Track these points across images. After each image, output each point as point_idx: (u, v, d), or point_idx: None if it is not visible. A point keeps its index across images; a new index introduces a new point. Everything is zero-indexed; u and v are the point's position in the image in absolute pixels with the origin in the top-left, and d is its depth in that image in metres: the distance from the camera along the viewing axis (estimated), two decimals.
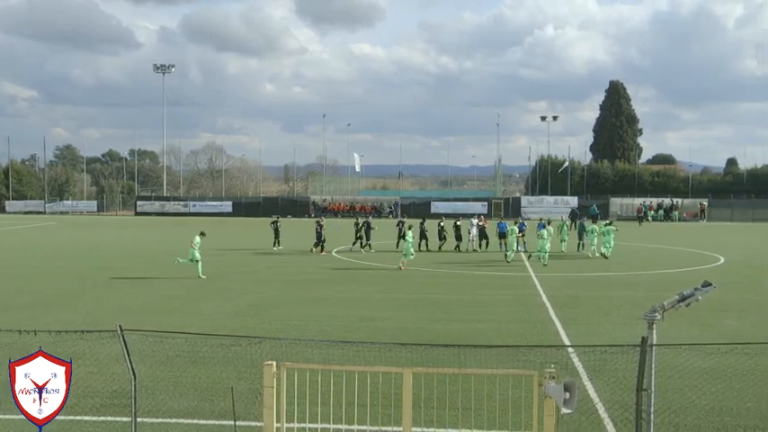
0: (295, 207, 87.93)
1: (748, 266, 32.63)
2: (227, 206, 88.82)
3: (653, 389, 8.25)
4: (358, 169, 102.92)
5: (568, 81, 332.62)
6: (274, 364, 8.37)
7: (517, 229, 37.06)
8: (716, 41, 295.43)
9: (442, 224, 41.45)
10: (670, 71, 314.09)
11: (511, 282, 26.92)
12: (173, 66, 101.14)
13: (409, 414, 8.29)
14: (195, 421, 10.58)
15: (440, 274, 29.30)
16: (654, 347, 8.19)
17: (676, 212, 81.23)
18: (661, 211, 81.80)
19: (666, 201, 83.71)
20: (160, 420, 10.46)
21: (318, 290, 24.43)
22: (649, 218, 78.42)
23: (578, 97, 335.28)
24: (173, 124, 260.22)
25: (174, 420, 10.55)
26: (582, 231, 40.35)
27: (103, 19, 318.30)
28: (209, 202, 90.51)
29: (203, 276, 27.53)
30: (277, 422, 8.35)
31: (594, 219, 58.02)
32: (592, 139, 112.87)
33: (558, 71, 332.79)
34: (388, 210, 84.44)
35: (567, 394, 7.51)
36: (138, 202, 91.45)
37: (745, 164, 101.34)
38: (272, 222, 42.47)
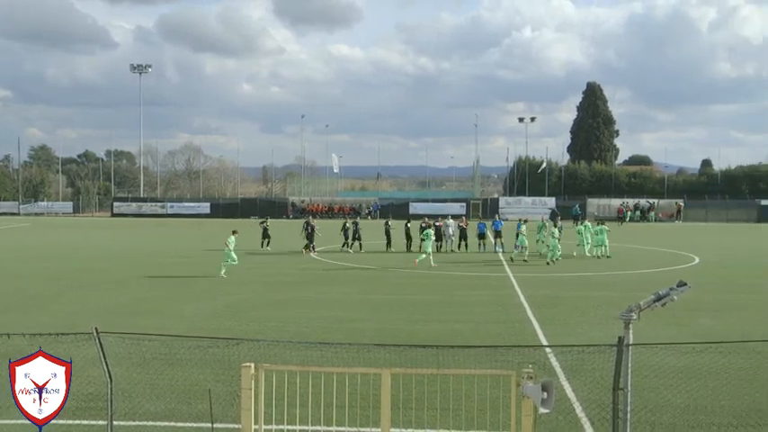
0: (273, 208, 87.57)
1: (722, 267, 32.96)
2: (204, 207, 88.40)
3: (629, 388, 8.31)
4: (336, 170, 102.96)
5: (546, 82, 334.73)
6: (252, 365, 8.34)
7: (524, 229, 37.23)
8: (690, 44, 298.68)
9: (437, 224, 41.46)
10: (645, 73, 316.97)
11: (489, 282, 27.00)
12: (149, 66, 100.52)
13: (388, 415, 8.29)
14: (172, 424, 10.51)
15: (418, 274, 29.32)
16: (630, 347, 8.25)
17: (652, 213, 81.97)
18: (638, 212, 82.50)
19: (643, 201, 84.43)
20: (137, 423, 10.38)
21: (297, 291, 24.37)
22: (627, 218, 79.09)
23: (556, 99, 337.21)
24: (150, 125, 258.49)
25: (150, 423, 10.47)
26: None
27: (79, 18, 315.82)
28: (186, 204, 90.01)
29: (224, 276, 28.11)
30: (255, 424, 8.31)
31: (576, 219, 58.44)
32: (569, 140, 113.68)
33: (535, 72, 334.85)
34: (366, 211, 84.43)
35: (545, 394, 7.54)
36: (115, 204, 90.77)
37: (719, 165, 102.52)
38: (261, 223, 42.42)
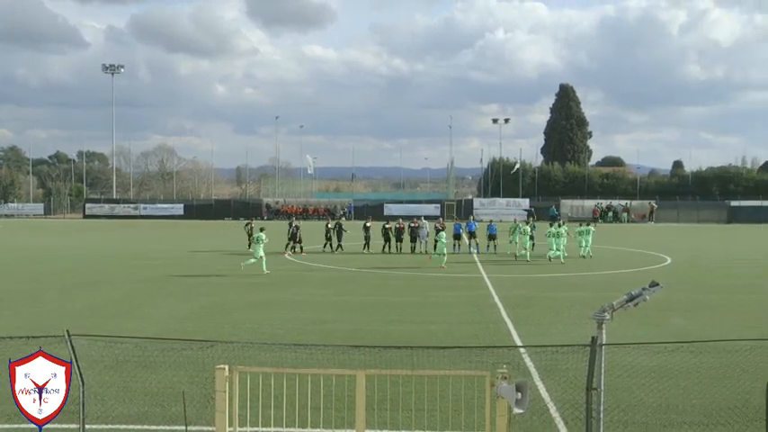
0: (247, 209, 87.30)
1: (693, 267, 33.32)
2: (178, 208, 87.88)
3: (602, 388, 8.37)
4: (311, 171, 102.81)
5: (519, 84, 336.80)
6: (226, 367, 8.30)
7: (529, 229, 37.53)
8: (661, 47, 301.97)
9: (412, 225, 41.52)
10: (617, 75, 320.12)
11: (463, 283, 27.07)
12: (122, 66, 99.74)
13: (362, 416, 8.28)
14: (146, 427, 10.42)
15: (392, 275, 29.34)
16: (603, 347, 8.32)
17: (625, 214, 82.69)
18: (610, 213, 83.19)
19: (615, 202, 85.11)
20: (109, 427, 10.28)
21: (271, 292, 24.28)
22: (599, 219, 79.78)
23: (529, 100, 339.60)
24: (122, 126, 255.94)
25: (123, 426, 10.38)
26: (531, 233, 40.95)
27: (49, 17, 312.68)
28: (160, 205, 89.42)
29: (267, 271, 29.53)
30: (229, 426, 8.27)
31: (554, 220, 58.92)
32: (543, 142, 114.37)
33: (508, 74, 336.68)
34: (341, 212, 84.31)
35: (519, 394, 7.57)
36: (87, 205, 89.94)
37: (690, 166, 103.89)
38: (246, 225, 42.32)
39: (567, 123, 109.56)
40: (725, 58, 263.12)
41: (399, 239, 39.74)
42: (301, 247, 39.00)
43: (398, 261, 35.27)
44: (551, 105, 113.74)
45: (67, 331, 8.41)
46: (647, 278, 9.15)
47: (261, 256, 29.93)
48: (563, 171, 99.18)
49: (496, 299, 22.82)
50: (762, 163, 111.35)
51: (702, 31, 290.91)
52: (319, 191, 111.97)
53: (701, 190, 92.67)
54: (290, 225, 40.18)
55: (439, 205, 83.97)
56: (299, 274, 29.97)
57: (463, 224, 42.62)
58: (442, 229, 38.98)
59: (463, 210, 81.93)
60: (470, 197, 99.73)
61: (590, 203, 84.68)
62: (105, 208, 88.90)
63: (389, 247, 39.62)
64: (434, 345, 14.85)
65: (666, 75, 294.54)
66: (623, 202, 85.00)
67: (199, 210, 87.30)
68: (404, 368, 9.15)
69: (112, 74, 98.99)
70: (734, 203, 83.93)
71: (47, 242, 48.63)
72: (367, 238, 40.12)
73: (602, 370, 8.35)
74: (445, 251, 33.11)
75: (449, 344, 15.52)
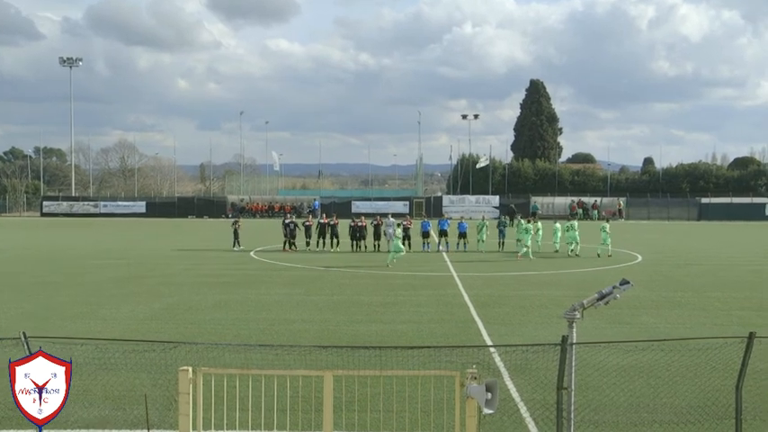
0: (212, 207, 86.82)
1: (664, 264, 33.72)
2: (140, 206, 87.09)
3: (573, 387, 8.45)
4: (276, 168, 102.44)
5: (488, 79, 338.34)
6: (190, 369, 8.25)
7: (533, 228, 38.22)
8: (630, 42, 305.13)
9: (375, 223, 41.52)
10: (587, 70, 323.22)
11: (432, 282, 27.15)
12: (80, 59, 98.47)
13: (330, 418, 8.28)
14: (107, 431, 10.33)
15: (360, 274, 29.35)
16: (574, 346, 8.39)
17: (596, 211, 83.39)
18: (580, 210, 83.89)
19: (586, 199, 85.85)
20: (69, 431, 10.17)
21: (236, 292, 24.17)
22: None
23: (498, 96, 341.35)
24: (81, 121, 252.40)
25: (83, 431, 10.28)
26: (502, 229, 41.34)
27: (1, 8, 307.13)
28: (120, 203, 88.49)
29: (390, 266, 31.32)
30: (193, 429, 8.22)
31: (534, 216, 59.47)
32: (513, 138, 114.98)
33: (477, 69, 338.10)
34: (307, 210, 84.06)
35: (489, 394, 7.61)
36: (45, 203, 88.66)
37: (660, 163, 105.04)
38: (234, 223, 42.33)
39: (537, 119, 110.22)
40: (694, 54, 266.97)
41: (362, 237, 39.81)
42: (291, 243, 40.02)
43: (367, 260, 35.28)
44: (521, 101, 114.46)
45: (24, 333, 8.30)
46: (617, 276, 9.26)
47: (401, 250, 33.02)
48: (533, 168, 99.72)
49: (466, 298, 22.92)
50: (732, 160, 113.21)
51: (671, 27, 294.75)
52: (285, 188, 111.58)
53: (672, 187, 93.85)
54: (284, 223, 40.83)
55: (407, 202, 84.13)
56: (265, 273, 29.85)
57: (433, 222, 42.76)
58: (404, 228, 39.12)
59: (432, 207, 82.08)
60: (440, 194, 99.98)
61: (561, 200, 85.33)
62: (64, 206, 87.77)
63: (356, 245, 39.69)
64: (403, 344, 14.88)
65: (636, 70, 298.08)
66: (594, 199, 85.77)
67: (161, 208, 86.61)
68: (372, 368, 9.16)
69: (70, 67, 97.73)
70: (704, 201, 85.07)
71: (1, 241, 47.88)
72: (335, 236, 40.24)
73: (573, 369, 8.43)
74: (402, 248, 33.54)
75: (418, 343, 15.57)
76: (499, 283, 26.84)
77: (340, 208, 77.64)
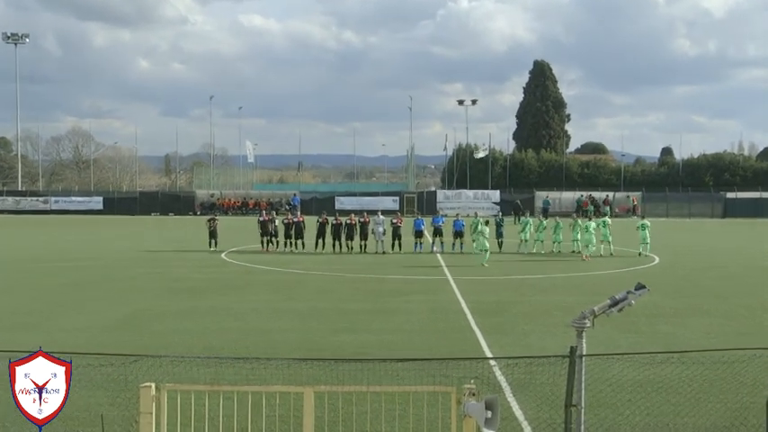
0: (178, 203, 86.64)
1: (684, 267, 33.84)
2: (96, 202, 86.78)
3: (583, 404, 8.45)
4: (251, 160, 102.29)
5: (487, 61, 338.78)
6: (153, 386, 8.21)
7: (538, 225, 38.94)
8: (647, 18, 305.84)
9: (362, 221, 41.48)
10: (598, 50, 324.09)
11: (426, 286, 27.16)
12: (26, 35, 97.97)
13: None
14: None
15: (345, 278, 29.33)
16: (584, 358, 8.40)
17: (607, 207, 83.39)
18: (591, 207, 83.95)
19: (597, 194, 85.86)
20: None
21: (206, 298, 24.11)
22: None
23: (499, 79, 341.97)
24: (29, 105, 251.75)
25: None
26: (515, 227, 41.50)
27: None
28: (75, 198, 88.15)
29: (487, 265, 32.93)
30: None
31: (545, 212, 59.82)
32: (515, 126, 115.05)
33: (474, 49, 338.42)
34: (286, 206, 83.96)
35: (489, 413, 7.61)
36: None
37: (680, 154, 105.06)
38: (209, 220, 42.31)
39: (542, 105, 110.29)
40: (718, 30, 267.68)
41: (350, 237, 39.81)
42: (303, 243, 40.56)
43: (352, 262, 35.26)
44: (524, 85, 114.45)
45: None
46: (632, 280, 9.25)
47: (487, 248, 34.41)
48: (538, 159, 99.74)
49: (463, 304, 22.93)
50: (761, 150, 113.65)
51: (692, 0, 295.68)
52: (261, 182, 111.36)
53: (693, 180, 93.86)
54: (285, 221, 41.29)
55: (398, 198, 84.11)
56: (238, 277, 29.80)
57: (427, 219, 42.78)
58: (399, 225, 39.13)
59: (425, 203, 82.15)
60: (433, 189, 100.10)
61: (568, 196, 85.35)
62: (9, 201, 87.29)
63: (340, 245, 39.69)
64: (393, 357, 14.87)
65: (653, 50, 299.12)
66: (605, 194, 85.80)
67: (121, 204, 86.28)
68: (358, 384, 9.15)
69: (15, 44, 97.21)
70: (730, 195, 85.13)
71: None
72: (321, 236, 40.27)
73: (583, 384, 8.43)
74: (487, 246, 34.76)
75: (409, 356, 15.55)
76: (500, 288, 26.87)
77: (322, 204, 77.55)
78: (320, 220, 41.04)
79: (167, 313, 21.49)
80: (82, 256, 37.44)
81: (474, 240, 39.43)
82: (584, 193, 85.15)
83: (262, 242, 40.62)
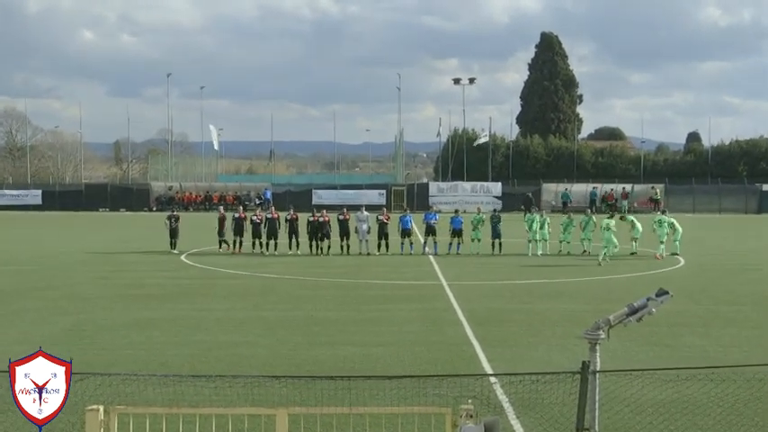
0: (130, 197, 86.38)
1: (713, 270, 33.98)
2: (34, 196, 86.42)
3: (597, 428, 8.49)
4: (215, 147, 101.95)
5: (486, 33, 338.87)
6: (101, 408, 8.20)
7: (571, 223, 40.10)
8: None
9: (341, 218, 41.47)
10: (613, 21, 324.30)
11: (417, 292, 27.19)
12: None
13: None
14: None
15: (323, 284, 29.33)
16: (597, 375, 8.43)
17: (625, 201, 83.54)
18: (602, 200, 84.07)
19: (614, 187, 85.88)
20: None
21: (163, 307, 24.07)
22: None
23: (500, 54, 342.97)
24: None
25: None
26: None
27: None
28: (7, 191, 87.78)
29: (601, 263, 34.56)
30: None
31: (565, 206, 60.20)
32: (519, 109, 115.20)
33: (472, 19, 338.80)
34: (256, 201, 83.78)
35: None
36: None
37: (710, 140, 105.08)
38: (168, 218, 42.29)
39: (550, 84, 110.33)
40: None
41: (326, 236, 39.77)
42: (298, 242, 40.77)
43: (331, 264, 35.25)
44: (529, 61, 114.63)
45: None
46: (653, 285, 9.29)
47: (616, 245, 36.24)
48: (545, 146, 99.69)
49: (460, 313, 22.97)
50: None
51: None
52: (227, 173, 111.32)
53: (724, 170, 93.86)
54: (255, 219, 41.44)
55: (384, 191, 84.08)
56: (200, 282, 29.76)
57: (417, 217, 42.78)
58: (386, 222, 39.17)
59: (416, 197, 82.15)
60: (425, 181, 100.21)
61: (580, 188, 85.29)
62: None
63: (317, 246, 39.66)
64: (379, 374, 14.89)
65: (677, 20, 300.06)
66: (621, 187, 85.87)
67: (63, 198, 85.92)
68: (339, 405, 9.15)
69: None
70: (766, 188, 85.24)
71: None
72: (294, 234, 40.31)
73: (597, 405, 8.47)
74: (615, 241, 36.43)
75: (398, 372, 15.58)
76: (501, 295, 26.91)
77: (297, 198, 77.44)
78: (289, 216, 41.01)
79: (117, 324, 21.43)
80: (15, 259, 37.30)
81: (473, 239, 39.54)
82: (597, 185, 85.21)
83: (234, 242, 40.65)
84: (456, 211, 42.88)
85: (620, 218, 41.26)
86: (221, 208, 47.60)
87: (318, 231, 39.91)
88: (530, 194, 74.93)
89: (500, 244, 40.40)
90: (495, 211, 45.95)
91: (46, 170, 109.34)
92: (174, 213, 43.97)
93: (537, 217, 40.70)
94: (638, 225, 39.55)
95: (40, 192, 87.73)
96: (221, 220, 41.80)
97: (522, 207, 56.75)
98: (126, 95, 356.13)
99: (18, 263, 35.79)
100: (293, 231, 40.58)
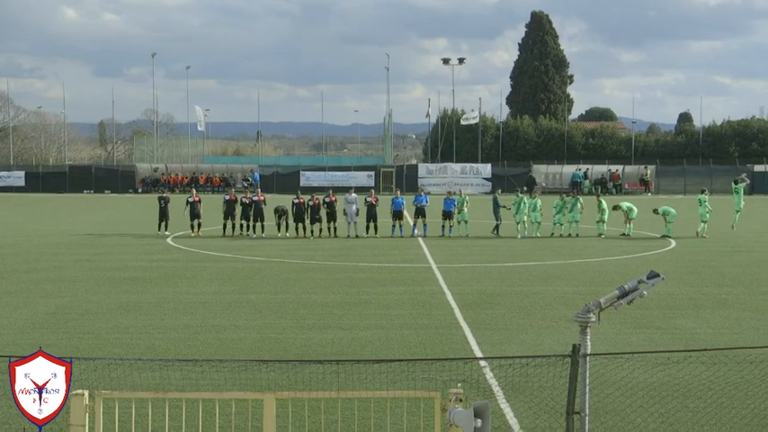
0: (115, 179, 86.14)
1: (705, 251, 34.05)
2: (17, 178, 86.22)
3: (587, 411, 8.51)
4: (201, 128, 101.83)
5: (475, 11, 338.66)
6: (86, 393, 8.18)
7: (531, 204, 40.17)
8: None
9: (328, 200, 41.43)
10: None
11: (406, 275, 27.22)
12: None
13: None
14: None
15: (312, 266, 29.32)
16: (588, 358, 8.44)
17: (617, 183, 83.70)
18: (587, 182, 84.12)
19: (604, 168, 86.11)
20: None
21: (149, 290, 24.03)
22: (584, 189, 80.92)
23: (489, 33, 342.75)
24: None
25: None
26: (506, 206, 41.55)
27: None
28: None
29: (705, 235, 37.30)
30: None
31: (575, 188, 60.54)
32: (509, 89, 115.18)
33: None
34: (244, 183, 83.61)
35: (479, 421, 7.64)
36: None
37: (701, 120, 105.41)
38: (160, 199, 42.14)
39: (540, 65, 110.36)
40: None
41: (315, 219, 39.66)
42: (263, 226, 40.51)
43: (319, 248, 35.25)
44: (519, 41, 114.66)
45: None
46: (644, 267, 9.30)
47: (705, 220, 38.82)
48: (535, 127, 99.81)
49: (449, 296, 23.01)
50: None
51: None
52: (213, 154, 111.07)
53: (716, 151, 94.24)
54: (243, 200, 41.36)
55: (373, 173, 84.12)
56: (187, 265, 29.71)
57: (408, 198, 42.76)
58: (375, 204, 39.18)
59: (405, 179, 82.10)
60: (414, 162, 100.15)
61: (571, 169, 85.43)
62: None
63: (304, 228, 39.60)
64: (368, 357, 14.90)
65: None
66: (613, 168, 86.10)
67: (47, 180, 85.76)
68: (327, 389, 9.16)
69: None
70: (758, 168, 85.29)
71: None
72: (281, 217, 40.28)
73: (587, 388, 8.48)
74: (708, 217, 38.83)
75: (386, 356, 15.60)
76: (491, 277, 26.95)
77: (285, 180, 77.33)
78: (328, 199, 40.61)
79: (102, 308, 21.39)
80: None
81: (460, 222, 39.61)
82: (585, 167, 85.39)
83: (224, 225, 40.46)
84: (448, 193, 42.91)
85: (614, 208, 41.12)
86: (232, 191, 46.81)
87: (314, 214, 39.76)
88: (533, 176, 75.28)
89: (497, 227, 40.42)
90: (497, 193, 45.71)
91: (29, 151, 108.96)
92: (164, 195, 43.87)
93: (524, 198, 40.69)
94: (635, 209, 39.93)
95: (23, 173, 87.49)
96: (231, 203, 41.36)
97: (525, 188, 57.09)
98: (110, 75, 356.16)
99: (0, 245, 35.67)
100: (332, 217, 40.19)
